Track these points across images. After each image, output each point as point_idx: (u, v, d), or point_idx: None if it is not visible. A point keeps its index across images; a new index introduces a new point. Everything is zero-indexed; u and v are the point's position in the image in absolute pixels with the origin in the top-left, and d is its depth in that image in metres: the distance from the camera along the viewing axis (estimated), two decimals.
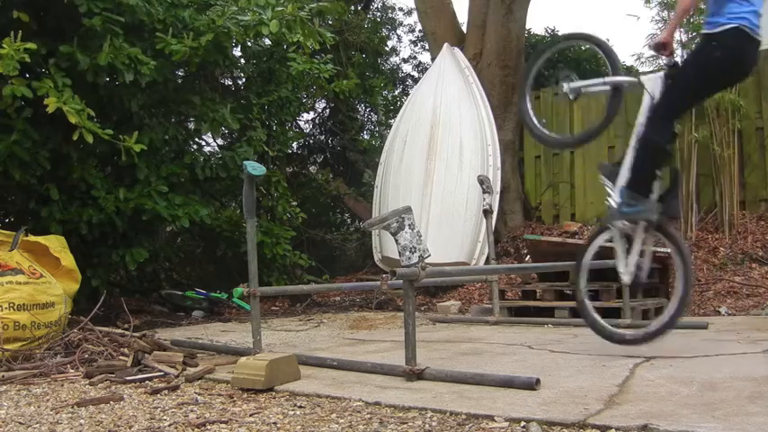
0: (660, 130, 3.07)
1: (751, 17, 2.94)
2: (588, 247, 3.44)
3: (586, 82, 3.56)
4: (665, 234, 3.14)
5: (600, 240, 3.41)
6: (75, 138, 4.12)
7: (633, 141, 3.19)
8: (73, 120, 4.01)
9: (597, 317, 3.33)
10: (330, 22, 6.55)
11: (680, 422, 1.89)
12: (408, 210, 2.90)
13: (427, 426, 2.04)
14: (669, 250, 3.16)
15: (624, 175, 3.18)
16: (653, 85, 3.28)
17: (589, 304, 3.33)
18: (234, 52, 5.85)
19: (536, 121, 3.71)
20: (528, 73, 3.80)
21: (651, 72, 3.46)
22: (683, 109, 3.27)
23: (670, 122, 3.12)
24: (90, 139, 4.13)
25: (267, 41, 6.09)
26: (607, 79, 3.43)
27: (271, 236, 6.35)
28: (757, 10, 2.96)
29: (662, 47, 3.19)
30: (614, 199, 3.22)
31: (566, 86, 3.50)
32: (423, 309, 6.28)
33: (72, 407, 2.52)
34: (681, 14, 3.34)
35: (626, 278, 3.20)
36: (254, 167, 3.45)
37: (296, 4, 5.09)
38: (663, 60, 3.27)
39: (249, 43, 5.75)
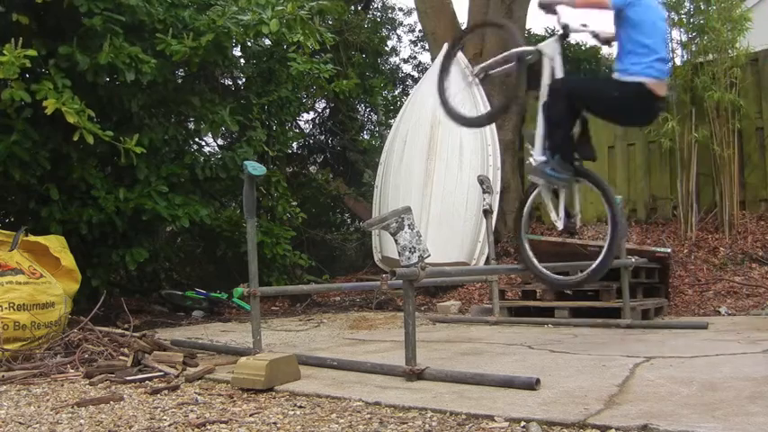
0: (558, 106, 3.30)
1: (655, 69, 3.16)
2: (526, 201, 3.84)
3: (489, 61, 3.75)
4: (585, 177, 3.40)
5: (534, 194, 3.74)
6: (75, 138, 4.12)
7: (540, 109, 3.41)
8: (71, 120, 4.01)
9: (537, 263, 3.64)
10: (330, 22, 6.54)
11: (680, 422, 1.89)
12: (408, 210, 2.90)
13: (427, 426, 2.04)
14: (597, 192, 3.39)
15: (542, 139, 3.40)
16: (551, 49, 3.49)
17: (529, 252, 3.65)
18: (234, 52, 5.85)
19: (450, 100, 3.89)
20: (450, 53, 4.05)
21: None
22: (581, 96, 3.39)
23: (566, 103, 3.30)
24: (90, 140, 4.13)
25: (267, 41, 6.09)
26: (505, 54, 3.56)
27: (271, 236, 6.35)
28: (662, 58, 3.21)
29: (546, 6, 3.42)
30: (535, 158, 3.43)
31: (476, 68, 3.83)
32: (423, 309, 6.28)
33: (72, 407, 2.52)
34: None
35: (559, 224, 3.45)
36: (255, 167, 3.45)
37: (296, 3, 5.09)
38: (558, 25, 3.48)
39: (249, 43, 5.75)
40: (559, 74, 3.44)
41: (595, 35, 3.55)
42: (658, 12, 3.35)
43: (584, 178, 3.40)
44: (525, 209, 3.82)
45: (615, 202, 3.31)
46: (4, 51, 3.80)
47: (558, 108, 3.32)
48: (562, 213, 3.44)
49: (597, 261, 3.32)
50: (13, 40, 3.89)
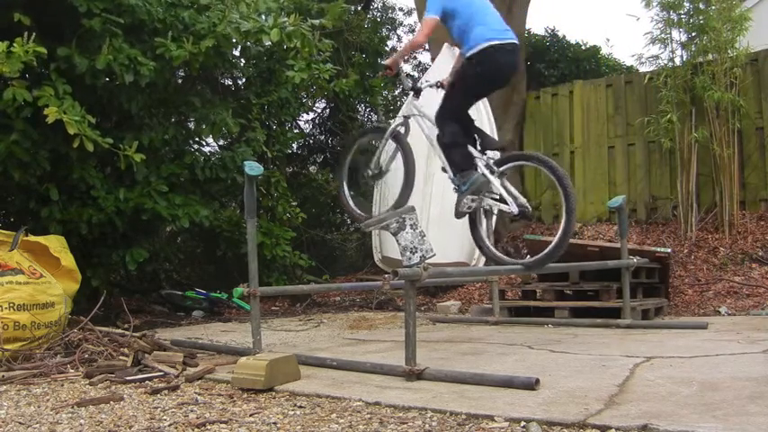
0: (448, 132, 3.60)
1: (490, 34, 3.49)
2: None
3: (376, 156, 4.07)
4: (512, 159, 3.66)
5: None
6: (75, 145, 4.14)
7: (437, 146, 3.76)
8: (72, 131, 4.02)
9: (493, 248, 3.89)
10: (331, 26, 6.55)
11: (680, 422, 1.89)
12: (410, 210, 2.90)
13: (427, 426, 2.05)
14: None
15: (448, 167, 3.70)
16: (412, 108, 3.96)
17: (482, 233, 3.83)
18: (234, 52, 5.85)
19: (352, 204, 4.20)
20: (343, 164, 4.29)
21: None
22: (462, 112, 3.71)
23: (454, 124, 3.61)
24: (90, 147, 4.15)
25: (267, 42, 6.09)
26: (384, 142, 3.96)
27: (271, 236, 6.35)
28: (493, 27, 3.53)
29: (387, 68, 3.83)
30: (456, 187, 3.66)
31: (368, 173, 4.10)
32: (423, 309, 6.28)
33: (72, 407, 2.52)
34: (408, 48, 4.12)
35: (513, 209, 3.51)
36: (252, 167, 3.48)
37: (298, 17, 5.12)
38: (409, 83, 3.97)
39: (249, 44, 5.76)
40: (432, 114, 3.76)
41: (440, 85, 3.94)
42: None
43: (517, 161, 3.68)
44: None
45: (563, 175, 3.40)
46: (14, 44, 3.80)
47: (449, 131, 3.59)
48: (510, 200, 3.54)
49: (554, 243, 3.42)
50: (25, 33, 3.89)
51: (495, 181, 3.52)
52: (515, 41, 3.59)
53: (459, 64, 3.77)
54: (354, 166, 4.29)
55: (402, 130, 3.93)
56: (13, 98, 4.03)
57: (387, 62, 3.84)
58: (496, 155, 3.70)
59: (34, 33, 3.93)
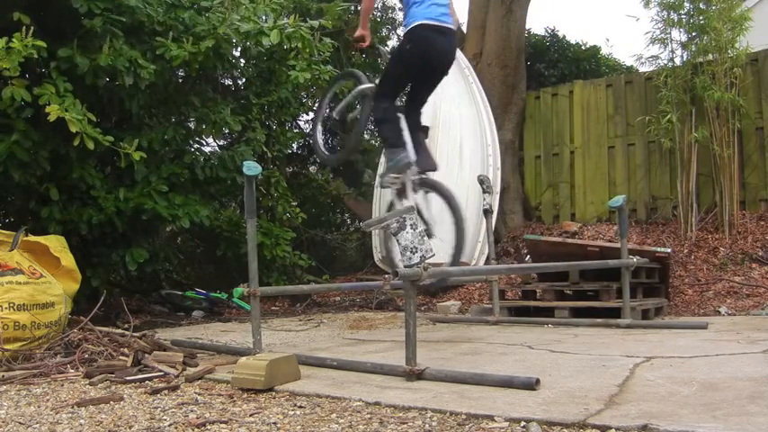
0: (380, 108, 3.68)
1: (431, 12, 3.55)
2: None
3: (343, 103, 4.12)
4: (427, 185, 3.73)
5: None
6: (75, 143, 4.14)
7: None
8: (74, 129, 4.02)
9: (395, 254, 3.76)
10: (330, 26, 6.55)
11: (680, 422, 1.89)
12: (410, 209, 2.90)
13: (427, 426, 2.04)
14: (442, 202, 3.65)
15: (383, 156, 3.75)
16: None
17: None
18: (234, 53, 5.86)
19: (323, 148, 4.38)
20: (319, 110, 4.45)
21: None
22: (396, 90, 3.79)
23: (387, 100, 3.69)
24: (91, 145, 4.15)
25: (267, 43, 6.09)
26: (354, 92, 3.99)
27: (270, 237, 6.35)
28: (432, 9, 3.57)
29: (356, 38, 3.88)
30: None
31: (334, 113, 4.19)
32: (423, 309, 6.28)
33: (72, 407, 2.52)
34: (364, 14, 3.97)
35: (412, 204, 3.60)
36: (249, 167, 3.49)
37: (297, 18, 5.13)
38: (386, 51, 4.08)
39: (249, 44, 5.77)
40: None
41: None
42: None
43: (431, 189, 3.71)
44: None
45: (459, 207, 3.60)
46: (13, 39, 3.80)
47: (381, 106, 3.68)
48: (413, 201, 3.63)
49: (449, 261, 3.58)
50: (24, 28, 3.89)
51: (410, 188, 3.63)
52: (451, 26, 3.68)
53: (397, 45, 3.85)
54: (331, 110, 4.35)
55: (367, 93, 3.89)
56: (12, 98, 4.02)
57: (356, 34, 3.84)
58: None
59: (33, 28, 3.93)
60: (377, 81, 3.89)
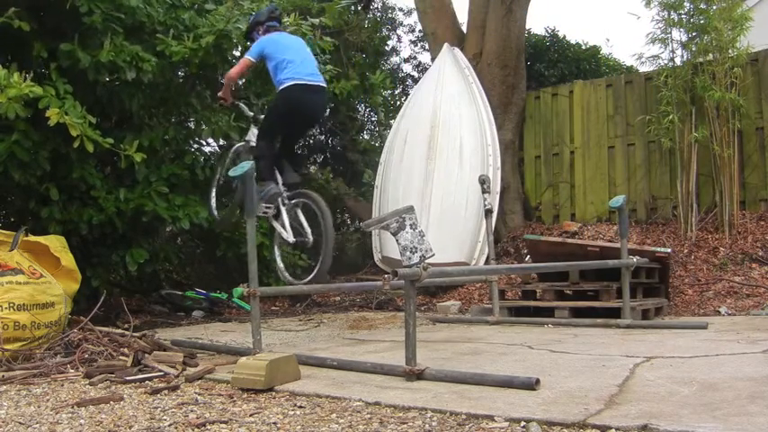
0: (259, 147, 4.39)
1: (297, 75, 4.18)
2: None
3: (224, 167, 4.79)
4: (299, 195, 4.28)
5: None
6: (75, 145, 4.14)
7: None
8: (74, 132, 4.03)
9: (282, 265, 4.47)
10: (331, 24, 6.54)
11: (680, 422, 1.89)
12: (410, 209, 2.90)
13: (427, 426, 2.05)
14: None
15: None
16: (249, 135, 4.68)
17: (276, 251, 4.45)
18: (234, 53, 5.85)
19: (215, 211, 4.99)
20: (213, 179, 5.02)
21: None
22: (272, 136, 4.43)
23: (265, 142, 4.38)
24: (90, 148, 4.16)
25: None
26: (232, 152, 4.79)
27: (270, 237, 6.34)
28: (301, 70, 4.21)
29: (220, 99, 4.56)
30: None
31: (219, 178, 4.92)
32: (423, 309, 6.28)
33: (72, 407, 2.52)
34: (227, 80, 4.51)
35: (290, 239, 4.24)
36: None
37: (298, 17, 5.14)
38: (250, 112, 4.76)
39: (249, 44, 5.77)
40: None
41: (253, 118, 4.72)
42: (284, 38, 4.43)
43: (303, 198, 4.26)
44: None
45: (328, 217, 4.04)
46: (13, 82, 3.80)
47: (260, 145, 4.36)
48: (289, 230, 4.25)
49: (318, 266, 4.07)
50: (24, 72, 3.91)
51: (283, 209, 4.24)
52: (322, 84, 4.33)
53: (271, 101, 4.44)
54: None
55: (242, 150, 4.66)
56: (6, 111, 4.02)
57: (219, 95, 4.52)
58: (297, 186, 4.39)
59: (29, 75, 3.93)
60: (248, 137, 4.65)
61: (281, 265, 4.43)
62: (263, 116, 4.59)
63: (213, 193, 4.96)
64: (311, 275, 4.16)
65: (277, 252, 4.40)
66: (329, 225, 3.98)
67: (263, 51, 4.31)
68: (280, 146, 4.49)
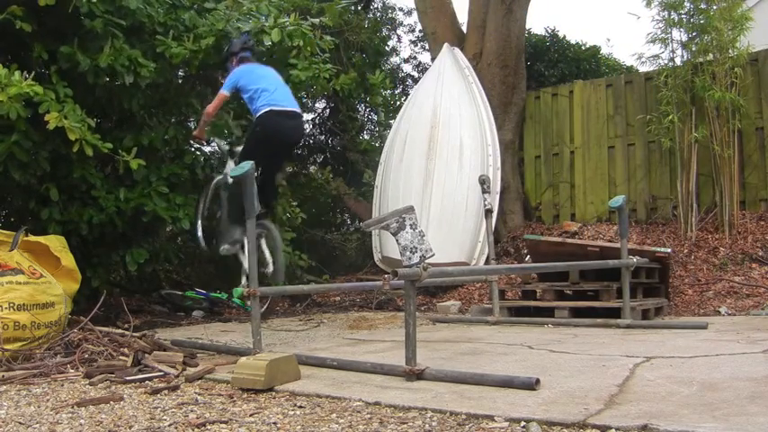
0: (235, 188, 4.38)
1: (272, 102, 4.37)
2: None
3: (205, 202, 5.09)
4: (260, 227, 4.38)
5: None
6: (75, 150, 4.14)
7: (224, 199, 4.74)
8: (73, 137, 4.03)
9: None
10: (331, 24, 6.54)
11: (680, 422, 1.89)
12: (410, 209, 2.89)
13: (427, 426, 2.05)
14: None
15: (225, 218, 4.60)
16: (227, 168, 4.87)
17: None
18: None
19: (203, 242, 5.18)
20: (198, 209, 5.16)
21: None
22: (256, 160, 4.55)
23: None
24: (90, 152, 4.16)
25: (267, 42, 6.09)
26: (211, 192, 5.01)
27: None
28: (276, 98, 4.40)
29: (195, 138, 4.74)
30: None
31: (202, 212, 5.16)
32: (423, 309, 6.28)
33: (72, 407, 2.52)
34: (204, 118, 4.62)
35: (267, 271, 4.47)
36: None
37: (298, 17, 5.14)
38: (225, 147, 4.93)
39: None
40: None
41: (230, 151, 4.93)
42: (257, 69, 4.60)
43: (263, 229, 4.45)
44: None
45: (279, 249, 4.43)
46: (14, 81, 3.80)
47: (235, 190, 4.37)
48: (267, 260, 4.50)
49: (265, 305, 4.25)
50: (25, 72, 3.91)
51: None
52: (297, 110, 4.54)
53: (248, 129, 4.54)
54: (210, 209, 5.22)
55: (222, 184, 4.83)
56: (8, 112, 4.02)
57: (195, 134, 4.66)
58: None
59: (29, 74, 3.93)
60: (226, 170, 4.79)
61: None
62: (240, 147, 4.72)
63: (199, 224, 5.13)
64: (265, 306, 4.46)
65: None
66: (280, 260, 4.40)
67: (238, 83, 4.47)
68: (258, 179, 4.61)
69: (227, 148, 4.81)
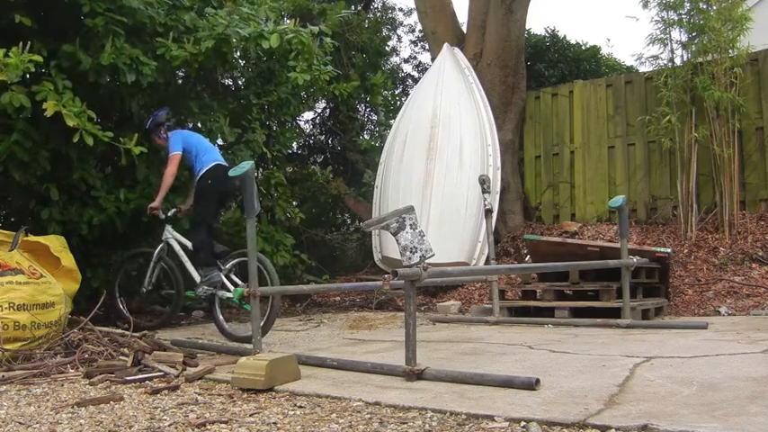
0: (197, 238, 4.70)
1: (214, 158, 4.81)
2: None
3: (147, 276, 5.11)
4: (228, 260, 4.73)
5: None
6: (75, 140, 4.13)
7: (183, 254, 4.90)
8: (71, 123, 4.01)
9: (225, 324, 4.65)
10: (330, 32, 6.56)
11: (680, 422, 1.89)
12: (410, 209, 2.89)
13: (427, 426, 2.05)
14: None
15: (195, 274, 4.80)
16: (169, 232, 5.00)
17: (217, 312, 4.67)
18: (234, 54, 5.86)
19: (123, 308, 5.16)
20: (114, 279, 5.17)
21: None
22: (209, 219, 4.84)
23: (202, 232, 4.70)
24: (90, 141, 4.14)
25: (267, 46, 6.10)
26: (153, 265, 5.08)
27: (272, 243, 6.34)
28: (214, 155, 4.86)
29: (151, 210, 4.82)
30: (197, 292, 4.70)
31: (144, 290, 5.17)
32: (423, 309, 6.28)
33: (72, 407, 2.52)
34: (165, 186, 4.77)
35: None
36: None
37: (297, 23, 5.15)
38: (162, 216, 4.97)
39: (249, 46, 5.78)
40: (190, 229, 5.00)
41: (179, 210, 5.10)
42: (190, 134, 4.99)
43: (238, 258, 4.70)
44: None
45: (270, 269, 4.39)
46: (11, 54, 3.79)
47: (199, 238, 4.67)
48: (231, 288, 4.59)
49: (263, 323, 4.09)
50: (21, 43, 3.89)
51: (224, 278, 4.62)
52: (226, 165, 4.83)
53: (197, 186, 4.78)
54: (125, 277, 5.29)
55: (164, 254, 4.99)
56: (10, 101, 4.03)
57: (153, 206, 4.80)
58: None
59: (30, 42, 3.92)
60: (164, 236, 4.96)
61: (223, 322, 4.62)
62: (194, 206, 4.92)
63: (117, 294, 5.14)
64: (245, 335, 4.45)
65: (218, 310, 4.64)
66: (273, 274, 4.39)
67: (185, 144, 4.81)
68: (211, 229, 4.92)
69: (163, 216, 4.93)
